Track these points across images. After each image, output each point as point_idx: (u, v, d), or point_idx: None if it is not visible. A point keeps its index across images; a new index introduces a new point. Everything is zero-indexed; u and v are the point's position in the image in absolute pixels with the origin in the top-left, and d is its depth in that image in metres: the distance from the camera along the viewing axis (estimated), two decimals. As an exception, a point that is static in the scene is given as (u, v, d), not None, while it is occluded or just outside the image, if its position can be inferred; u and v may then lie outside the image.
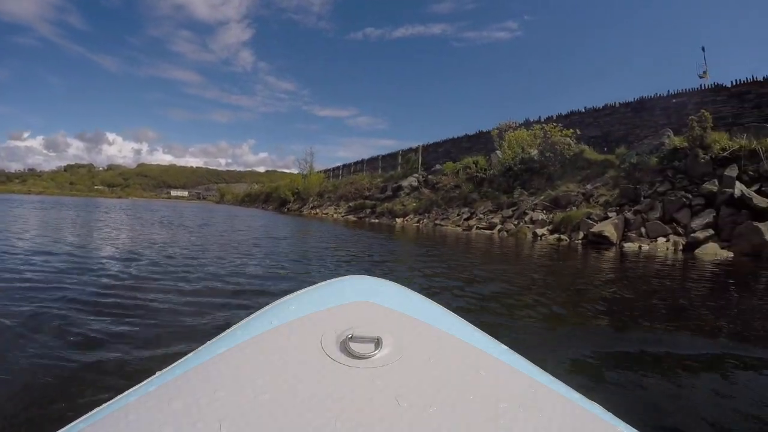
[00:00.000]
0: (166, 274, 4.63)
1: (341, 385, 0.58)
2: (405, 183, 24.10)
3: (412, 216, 20.29)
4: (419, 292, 0.97)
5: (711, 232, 10.42)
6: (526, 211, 14.91)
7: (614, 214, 12.46)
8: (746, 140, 11.96)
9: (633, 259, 8.49)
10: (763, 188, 10.75)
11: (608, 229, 11.55)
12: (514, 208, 15.65)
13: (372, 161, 33.52)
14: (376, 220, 21.56)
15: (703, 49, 17.24)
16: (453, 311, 0.88)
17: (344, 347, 0.65)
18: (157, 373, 0.65)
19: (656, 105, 16.21)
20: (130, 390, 0.61)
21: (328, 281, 0.94)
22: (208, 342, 0.73)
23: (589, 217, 12.59)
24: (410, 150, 27.98)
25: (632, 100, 16.92)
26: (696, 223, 10.84)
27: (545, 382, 0.64)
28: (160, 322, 2.81)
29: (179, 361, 0.68)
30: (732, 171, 11.46)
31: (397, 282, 0.98)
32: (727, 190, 10.86)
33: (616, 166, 14.21)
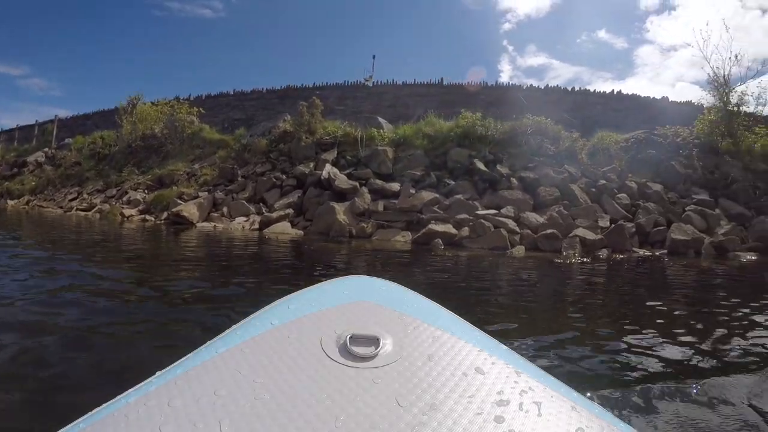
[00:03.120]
0: None
1: (341, 385, 0.57)
2: (31, 159, 19.27)
3: (27, 197, 16.58)
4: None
5: (290, 211, 9.48)
6: (128, 190, 12.63)
7: (206, 193, 10.69)
8: (351, 128, 11.46)
9: (189, 237, 7.98)
10: (355, 171, 10.24)
11: (188, 209, 9.88)
12: (119, 188, 13.22)
13: (9, 132, 26.61)
14: (-7, 202, 17.25)
15: (373, 57, 17.66)
16: (453, 311, 0.83)
17: (344, 347, 0.64)
18: (157, 373, 0.63)
19: (300, 95, 15.62)
20: (130, 390, 0.59)
21: (328, 281, 0.91)
22: (208, 342, 0.71)
23: (180, 197, 10.66)
24: (50, 121, 22.76)
25: (279, 87, 15.91)
26: (280, 202, 9.81)
27: (545, 383, 0.62)
28: None
29: (179, 361, 0.66)
30: (330, 155, 10.82)
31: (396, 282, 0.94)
32: (317, 172, 10.02)
33: (231, 146, 12.81)
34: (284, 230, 8.71)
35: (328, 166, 9.98)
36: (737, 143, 12.39)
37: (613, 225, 8.28)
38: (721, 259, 7.79)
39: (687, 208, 9.51)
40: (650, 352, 2.33)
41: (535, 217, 8.54)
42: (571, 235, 7.69)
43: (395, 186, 9.57)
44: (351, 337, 0.65)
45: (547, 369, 0.66)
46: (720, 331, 2.83)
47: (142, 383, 0.61)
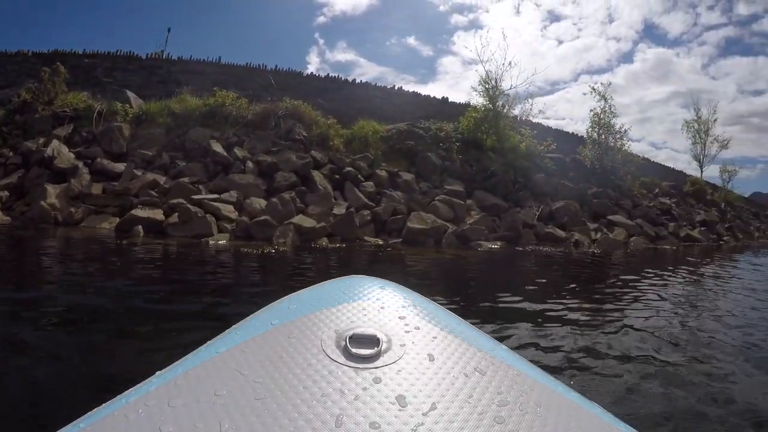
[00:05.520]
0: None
1: (341, 385, 0.57)
2: None
3: None
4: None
5: (5, 193, 9.34)
6: None
7: None
8: (94, 101, 11.56)
9: None
10: (85, 150, 10.41)
11: None
12: None
13: None
14: None
15: (168, 30, 17.51)
16: (453, 311, 0.86)
17: (344, 348, 0.64)
18: (157, 373, 0.64)
19: (68, 61, 15.03)
20: (130, 390, 0.60)
21: (328, 281, 0.92)
22: (208, 342, 0.71)
23: None
24: None
25: (47, 51, 15.29)
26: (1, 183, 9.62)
27: (545, 383, 0.64)
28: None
29: (179, 360, 0.66)
30: (64, 130, 10.92)
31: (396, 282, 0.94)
32: (44, 149, 10.01)
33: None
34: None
35: (55, 143, 10.02)
36: (502, 141, 14.04)
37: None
38: (463, 248, 8.15)
39: (437, 198, 10.28)
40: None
41: (259, 203, 8.70)
42: (286, 222, 7.80)
43: (120, 167, 9.80)
44: (351, 337, 0.65)
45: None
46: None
47: (142, 383, 0.62)
